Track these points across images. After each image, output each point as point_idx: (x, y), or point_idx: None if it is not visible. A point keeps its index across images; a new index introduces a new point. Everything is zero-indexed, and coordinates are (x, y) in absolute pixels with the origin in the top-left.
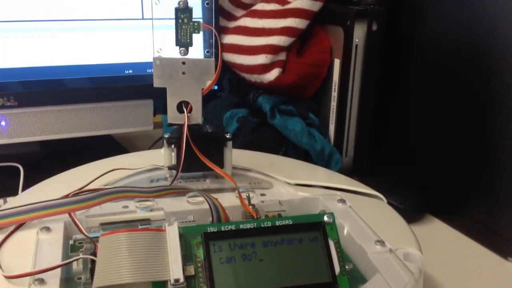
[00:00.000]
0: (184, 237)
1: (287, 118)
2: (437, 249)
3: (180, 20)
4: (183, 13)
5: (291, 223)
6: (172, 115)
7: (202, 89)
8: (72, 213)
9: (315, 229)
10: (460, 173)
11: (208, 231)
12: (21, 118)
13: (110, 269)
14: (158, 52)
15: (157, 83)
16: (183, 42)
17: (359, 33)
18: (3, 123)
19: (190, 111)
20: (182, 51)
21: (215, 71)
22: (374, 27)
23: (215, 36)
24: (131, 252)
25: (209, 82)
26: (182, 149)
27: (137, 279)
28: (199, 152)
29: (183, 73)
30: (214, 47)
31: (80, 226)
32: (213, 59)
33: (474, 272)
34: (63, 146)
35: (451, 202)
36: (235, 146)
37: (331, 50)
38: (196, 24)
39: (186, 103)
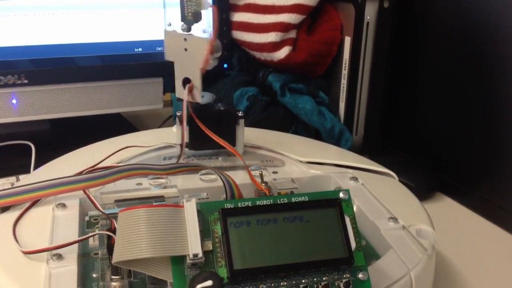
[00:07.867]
0: (202, 213)
1: (297, 97)
2: (448, 226)
3: None
4: None
5: (307, 199)
6: (179, 90)
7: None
8: (87, 190)
9: (331, 205)
10: (470, 152)
11: (225, 207)
12: (32, 96)
13: (130, 244)
14: (168, 25)
15: (167, 56)
16: (188, 19)
17: (371, 10)
18: (14, 101)
19: (191, 89)
20: (184, 28)
21: (210, 50)
22: (386, 4)
23: (216, 14)
24: (150, 227)
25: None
26: (183, 125)
27: (157, 253)
28: (208, 130)
29: (185, 49)
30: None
31: (96, 203)
32: (207, 38)
33: (484, 250)
34: (73, 124)
35: (461, 181)
36: (246, 124)
37: (342, 27)
38: (198, 1)
39: (188, 80)
